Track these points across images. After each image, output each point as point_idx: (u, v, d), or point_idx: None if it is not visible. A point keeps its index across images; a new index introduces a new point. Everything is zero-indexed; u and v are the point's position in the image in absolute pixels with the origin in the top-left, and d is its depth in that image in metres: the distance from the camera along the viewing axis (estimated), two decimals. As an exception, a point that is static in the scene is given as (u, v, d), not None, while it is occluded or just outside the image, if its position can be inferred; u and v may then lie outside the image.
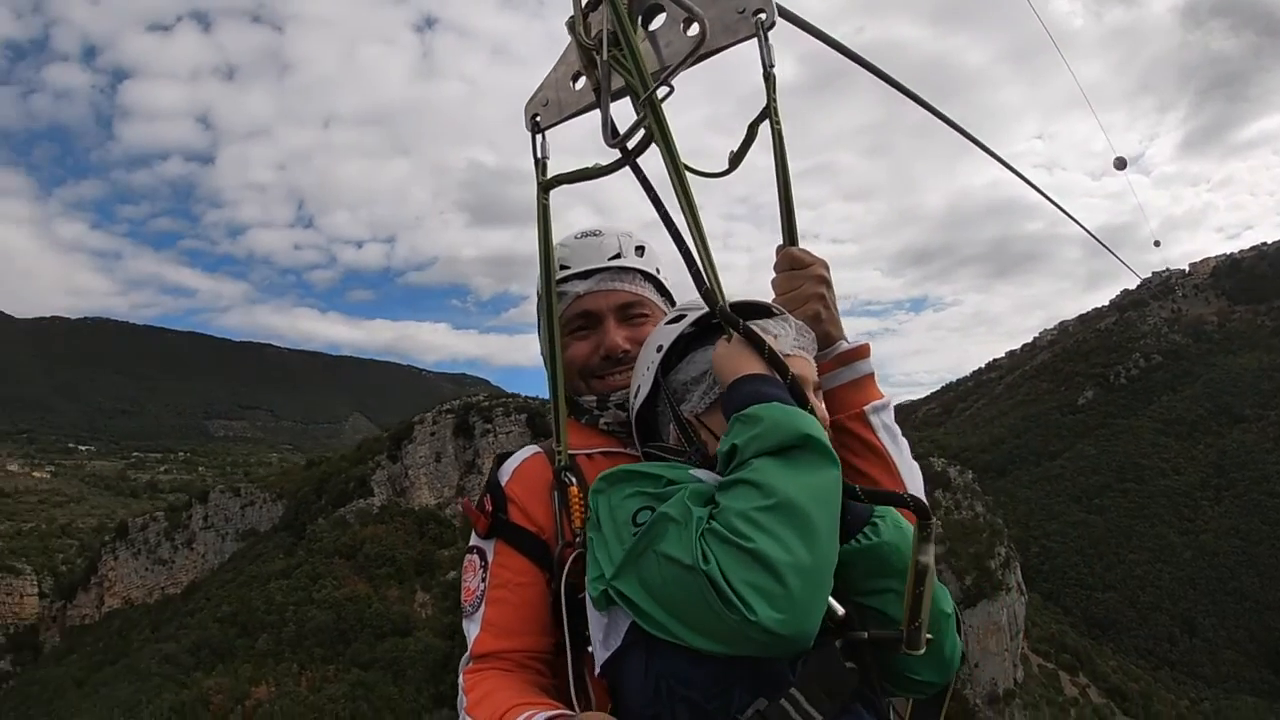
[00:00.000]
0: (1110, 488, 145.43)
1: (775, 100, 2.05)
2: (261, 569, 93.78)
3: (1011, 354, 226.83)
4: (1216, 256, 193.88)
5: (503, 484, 2.13)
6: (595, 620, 1.71)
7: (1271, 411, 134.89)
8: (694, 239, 1.85)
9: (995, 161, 3.52)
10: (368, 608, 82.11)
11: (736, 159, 2.14)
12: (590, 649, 1.81)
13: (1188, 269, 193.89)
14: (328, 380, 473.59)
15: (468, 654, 2.02)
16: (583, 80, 2.18)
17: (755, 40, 1.99)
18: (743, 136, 2.14)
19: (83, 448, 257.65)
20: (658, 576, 1.48)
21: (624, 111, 2.01)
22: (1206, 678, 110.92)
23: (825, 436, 1.55)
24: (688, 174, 1.91)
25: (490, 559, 2.06)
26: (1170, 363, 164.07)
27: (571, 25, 2.10)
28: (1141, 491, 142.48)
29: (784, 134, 2.08)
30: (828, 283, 2.11)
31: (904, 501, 1.62)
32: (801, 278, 2.10)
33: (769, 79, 2.04)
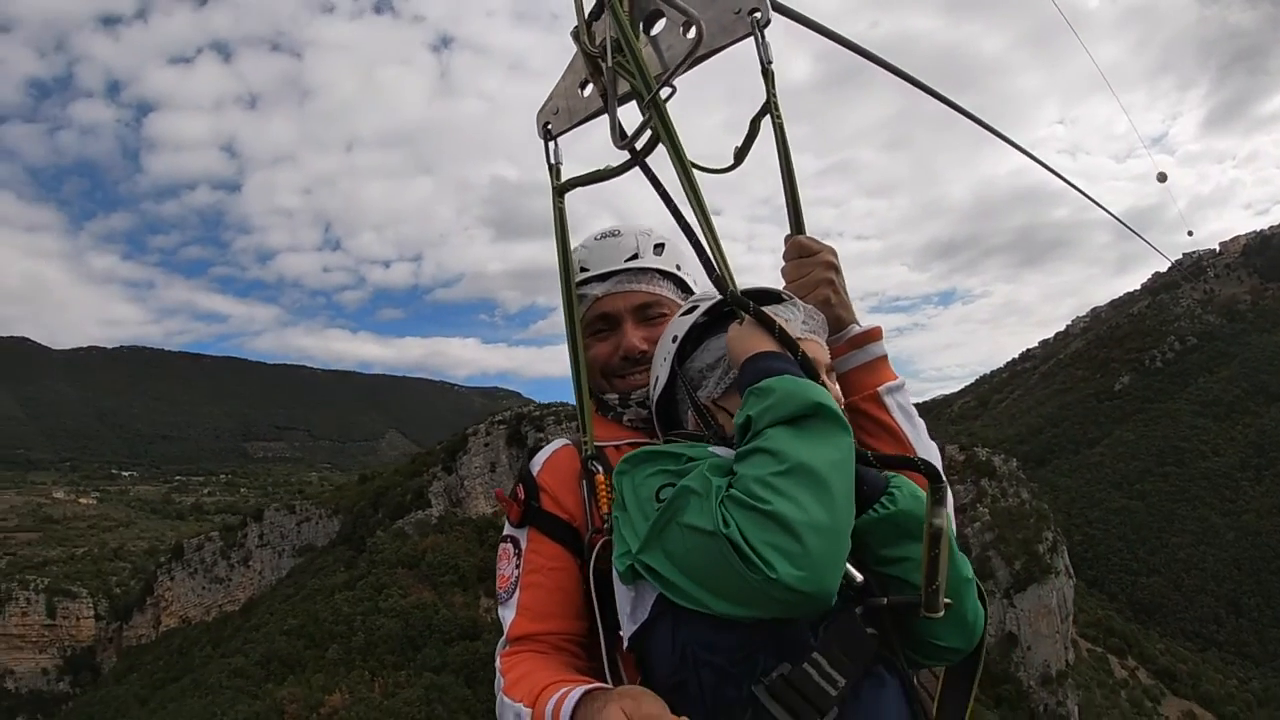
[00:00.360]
0: (1150, 472, 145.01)
1: (775, 95, 2.11)
2: (324, 582, 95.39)
3: (1044, 343, 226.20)
4: (1246, 234, 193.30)
5: (534, 474, 2.21)
6: (622, 595, 1.76)
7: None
8: (703, 230, 1.92)
9: (1017, 150, 3.67)
10: (435, 614, 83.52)
11: (741, 154, 2.22)
12: (621, 631, 1.87)
13: (1218, 248, 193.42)
14: (362, 399, 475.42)
15: (504, 638, 2.09)
16: (590, 87, 2.30)
17: (753, 38, 2.06)
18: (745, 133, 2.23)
19: (125, 473, 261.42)
20: (681, 546, 1.52)
21: (631, 115, 2.09)
22: (1254, 657, 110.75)
23: (836, 405, 1.59)
24: (696, 170, 1.97)
25: (524, 546, 2.12)
26: (1205, 344, 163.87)
27: (576, 34, 2.20)
28: (1182, 474, 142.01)
29: (785, 128, 2.14)
30: (836, 268, 2.18)
31: (915, 464, 1.68)
32: (810, 264, 2.16)
33: (768, 75, 2.10)
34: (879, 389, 2.11)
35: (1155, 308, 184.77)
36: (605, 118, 2.18)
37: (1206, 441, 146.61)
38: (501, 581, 2.15)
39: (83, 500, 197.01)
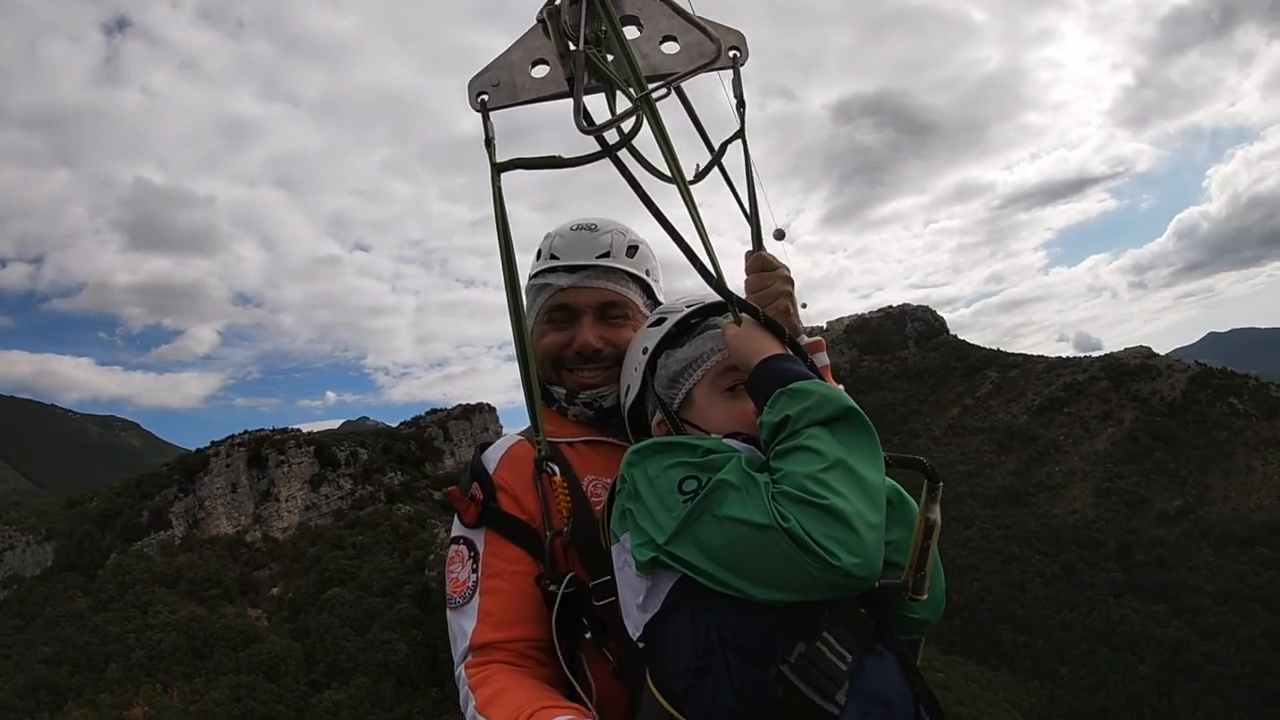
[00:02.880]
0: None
1: (744, 125, 2.41)
2: (64, 608, 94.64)
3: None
4: (849, 316, 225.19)
5: (490, 471, 2.14)
6: (632, 587, 1.73)
7: (894, 437, 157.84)
8: (698, 234, 1.90)
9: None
10: (213, 625, 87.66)
11: (703, 173, 2.38)
12: (587, 635, 1.94)
13: (825, 325, 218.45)
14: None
15: (465, 646, 1.97)
16: (543, 68, 2.21)
17: (729, 73, 2.25)
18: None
19: None
20: (721, 538, 1.57)
21: (593, 108, 1.99)
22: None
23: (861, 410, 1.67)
24: (654, 177, 1.95)
25: (481, 548, 2.05)
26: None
27: (554, 13, 2.09)
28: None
29: (750, 155, 2.44)
30: (792, 283, 2.31)
31: (917, 464, 1.79)
32: (771, 278, 2.28)
33: (742, 105, 2.36)
34: None
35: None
36: (539, 103, 2.22)
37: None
38: (455, 586, 2.05)
39: None
